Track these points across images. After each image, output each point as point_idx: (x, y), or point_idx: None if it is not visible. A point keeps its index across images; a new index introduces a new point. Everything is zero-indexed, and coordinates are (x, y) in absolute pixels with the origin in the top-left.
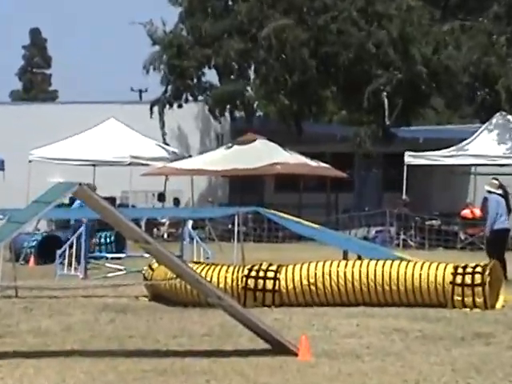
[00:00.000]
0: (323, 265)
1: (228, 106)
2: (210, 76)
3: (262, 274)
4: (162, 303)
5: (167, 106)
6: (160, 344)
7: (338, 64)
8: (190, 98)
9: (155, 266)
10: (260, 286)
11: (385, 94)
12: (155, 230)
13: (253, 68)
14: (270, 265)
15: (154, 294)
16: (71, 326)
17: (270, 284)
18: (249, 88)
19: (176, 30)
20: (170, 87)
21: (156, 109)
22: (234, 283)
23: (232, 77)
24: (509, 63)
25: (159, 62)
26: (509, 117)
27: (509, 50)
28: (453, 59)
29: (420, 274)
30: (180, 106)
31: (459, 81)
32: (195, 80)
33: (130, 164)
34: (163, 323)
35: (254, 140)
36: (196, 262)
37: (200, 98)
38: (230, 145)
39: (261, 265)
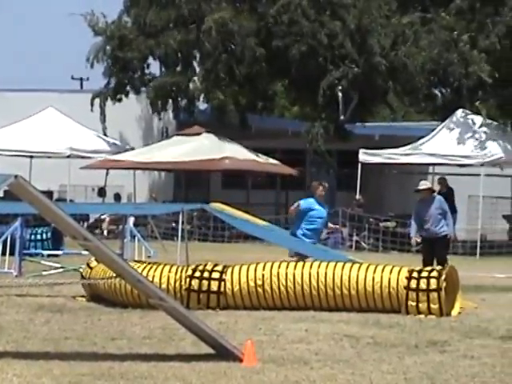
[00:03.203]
0: (271, 266)
1: (171, 99)
2: (156, 68)
3: (206, 274)
4: (100, 304)
5: (109, 99)
6: (98, 347)
7: (290, 56)
8: (133, 90)
9: (94, 264)
10: (204, 288)
11: (340, 88)
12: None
13: (198, 60)
14: (216, 265)
15: (92, 293)
16: (4, 326)
17: (214, 285)
18: (196, 80)
19: (119, 21)
20: (112, 79)
21: (97, 101)
22: (177, 284)
23: (178, 69)
24: (472, 62)
25: (102, 53)
26: (469, 115)
27: (472, 48)
28: (411, 55)
29: (373, 278)
30: (120, 100)
31: (417, 78)
32: (139, 72)
33: (68, 156)
34: (101, 325)
35: (200, 133)
36: (137, 261)
37: (143, 90)
38: (174, 138)
39: (205, 265)
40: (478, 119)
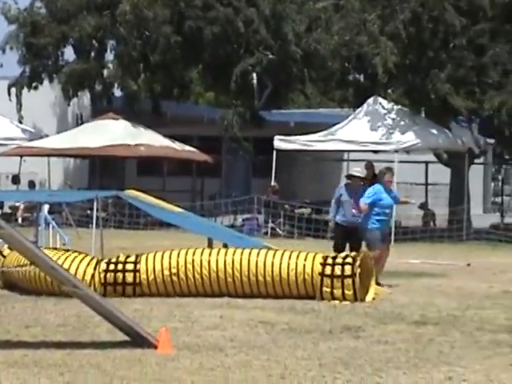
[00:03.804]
0: (186, 253)
1: (85, 86)
2: (70, 55)
3: (120, 266)
4: (14, 292)
5: (25, 88)
6: (11, 334)
7: (204, 42)
8: (47, 77)
9: (7, 252)
10: (120, 280)
11: (254, 75)
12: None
13: (112, 46)
14: (129, 256)
15: (6, 281)
16: None
17: (130, 277)
18: (110, 66)
19: (31, 7)
20: (27, 67)
21: (13, 91)
22: (95, 278)
23: (92, 55)
24: (382, 42)
25: (16, 41)
26: (382, 101)
27: (384, 24)
28: (324, 41)
29: (288, 265)
30: (36, 88)
31: (330, 63)
32: (52, 59)
33: None
34: (15, 312)
35: (115, 120)
36: (52, 249)
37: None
38: (89, 124)
39: (118, 257)
40: (391, 106)
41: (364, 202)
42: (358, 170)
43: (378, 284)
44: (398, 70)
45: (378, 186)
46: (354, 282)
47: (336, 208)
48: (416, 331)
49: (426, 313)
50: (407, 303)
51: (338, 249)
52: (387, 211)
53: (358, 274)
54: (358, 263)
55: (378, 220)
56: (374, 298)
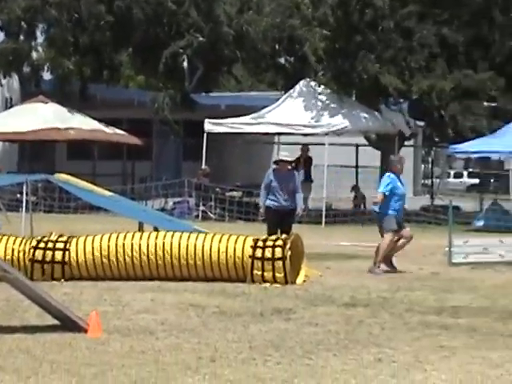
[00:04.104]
0: (117, 237)
1: (14, 68)
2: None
3: (50, 245)
4: None
5: None
6: None
7: (134, 23)
8: None
9: None
10: (48, 258)
11: (185, 57)
12: None
13: (42, 28)
14: (60, 236)
15: None
16: None
17: (59, 256)
18: (39, 48)
19: None
20: None
21: None
22: (21, 255)
23: (21, 37)
24: (313, 25)
25: None
26: (313, 84)
27: (314, 11)
28: (254, 23)
29: (218, 248)
30: None
31: (262, 46)
32: None
33: None
34: None
35: (45, 103)
36: None
37: None
38: (18, 107)
39: (50, 235)
40: (322, 89)
41: (381, 191)
42: (286, 155)
43: (392, 267)
44: (327, 54)
45: (391, 175)
46: (284, 264)
47: (266, 194)
48: (346, 313)
49: (356, 295)
50: (338, 285)
51: (272, 233)
52: (401, 199)
53: (288, 257)
54: (288, 246)
55: (394, 208)
56: (304, 281)
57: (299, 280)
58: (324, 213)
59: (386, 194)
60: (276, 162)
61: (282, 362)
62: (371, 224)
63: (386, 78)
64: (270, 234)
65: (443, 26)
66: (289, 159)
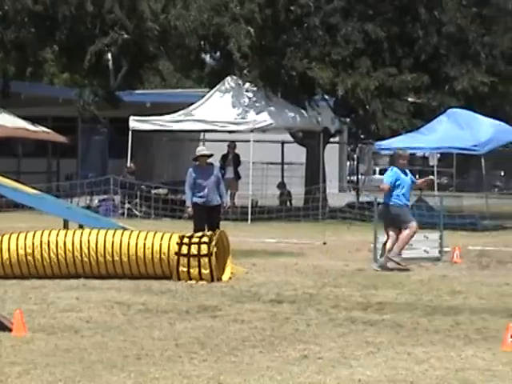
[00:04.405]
0: (41, 234)
1: None
2: None
3: None
4: None
5: None
6: None
7: (59, 20)
8: None
9: None
10: None
11: (110, 55)
12: None
13: None
14: None
15: None
16: None
17: None
18: None
19: None
20: None
21: None
22: None
23: None
24: (241, 23)
25: None
26: (238, 81)
27: (242, 9)
28: (181, 19)
29: (144, 244)
30: None
31: (188, 42)
32: None
33: None
34: None
35: None
36: None
37: None
38: None
39: None
40: (248, 86)
41: (385, 182)
42: (203, 149)
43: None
44: (253, 51)
45: (394, 169)
46: (210, 261)
47: (192, 192)
48: (272, 310)
49: (282, 291)
50: (264, 282)
51: (199, 229)
52: (406, 191)
53: (214, 254)
54: (214, 242)
55: (403, 200)
56: (230, 278)
57: (225, 277)
58: (250, 210)
59: (387, 183)
60: (195, 159)
61: (208, 360)
62: (297, 221)
63: (315, 73)
64: (196, 231)
65: (368, 23)
66: (207, 153)
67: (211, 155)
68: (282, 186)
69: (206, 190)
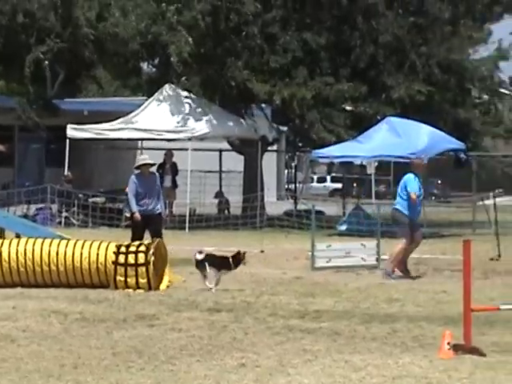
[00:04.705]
0: None
1: None
2: None
3: None
4: None
5: None
6: None
7: None
8: None
9: None
10: None
11: (46, 63)
12: None
13: None
14: None
15: None
16: None
17: None
18: None
19: None
20: None
21: None
22: None
23: None
24: (179, 31)
25: None
26: (176, 90)
27: (179, 18)
28: (120, 26)
29: (81, 254)
30: None
31: (126, 50)
32: None
33: None
34: None
35: None
36: None
37: None
38: None
39: None
40: (186, 94)
41: (413, 192)
42: (145, 158)
43: (407, 271)
44: (193, 59)
45: (412, 176)
46: (147, 270)
47: (136, 200)
48: (210, 318)
49: (220, 300)
50: (201, 290)
51: (137, 238)
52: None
53: (151, 262)
54: (151, 251)
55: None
56: (168, 286)
57: (163, 286)
58: (188, 218)
59: (415, 191)
60: (138, 167)
61: (146, 368)
62: (235, 229)
63: (254, 85)
64: (134, 240)
65: (306, 31)
66: (150, 162)
67: (154, 164)
68: (220, 194)
69: (147, 199)
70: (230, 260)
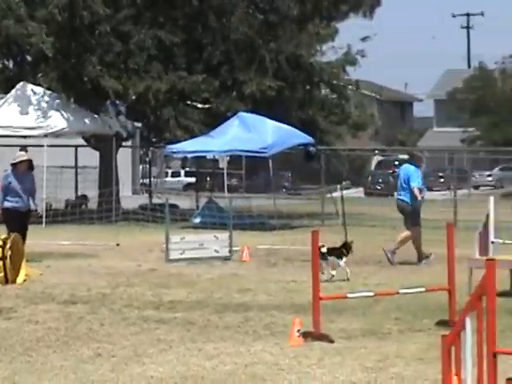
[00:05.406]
0: None
1: None
2: None
3: None
4: None
5: None
6: None
7: None
8: None
9: None
10: None
11: None
12: None
13: None
14: None
15: None
16: None
17: None
18: None
19: None
20: None
21: None
22: None
23: None
24: (29, 24)
25: None
26: (31, 87)
27: (34, 13)
28: None
29: None
30: None
31: None
32: None
33: None
34: None
35: None
36: None
37: None
38: None
39: None
40: (41, 91)
41: (418, 185)
42: (23, 154)
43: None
44: (50, 56)
45: (413, 168)
46: (4, 264)
47: (3, 195)
48: (66, 310)
49: (77, 292)
50: (58, 283)
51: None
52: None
53: (8, 256)
54: (8, 245)
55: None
56: (25, 280)
57: (20, 279)
58: (44, 213)
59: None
60: (15, 164)
61: (3, 360)
62: (91, 223)
63: (106, 81)
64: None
65: (159, 29)
66: (27, 158)
67: (30, 160)
68: (82, 197)
69: (21, 196)
70: (344, 250)
